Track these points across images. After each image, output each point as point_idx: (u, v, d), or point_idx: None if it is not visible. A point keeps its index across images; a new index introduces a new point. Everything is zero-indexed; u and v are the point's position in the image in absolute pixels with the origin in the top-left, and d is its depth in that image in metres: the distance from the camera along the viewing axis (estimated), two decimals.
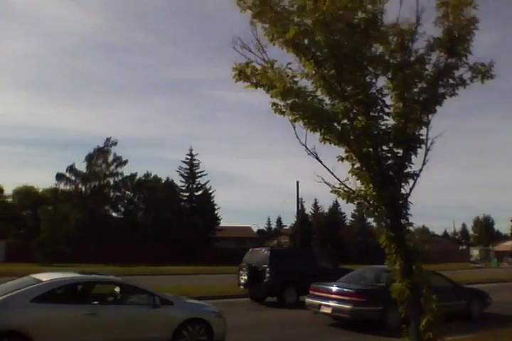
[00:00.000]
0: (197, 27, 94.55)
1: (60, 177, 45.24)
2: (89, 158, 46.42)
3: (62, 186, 45.60)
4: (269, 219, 79.28)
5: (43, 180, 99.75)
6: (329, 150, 5.52)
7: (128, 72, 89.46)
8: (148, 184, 48.70)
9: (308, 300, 11.44)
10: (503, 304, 13.38)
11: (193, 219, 45.93)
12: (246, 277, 14.63)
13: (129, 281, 8.19)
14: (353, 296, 10.23)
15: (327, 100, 5.40)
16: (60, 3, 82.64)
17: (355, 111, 5.35)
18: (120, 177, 47.81)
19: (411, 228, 5.75)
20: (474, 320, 11.51)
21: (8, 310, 6.48)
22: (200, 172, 48.74)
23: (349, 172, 5.49)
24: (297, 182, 35.93)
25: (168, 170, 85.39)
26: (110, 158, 47.21)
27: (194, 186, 48.74)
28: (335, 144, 5.38)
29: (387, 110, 5.57)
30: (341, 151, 5.51)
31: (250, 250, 16.80)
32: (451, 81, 5.63)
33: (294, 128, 5.37)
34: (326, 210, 56.99)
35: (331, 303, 10.51)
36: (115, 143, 47.15)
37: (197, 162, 48.50)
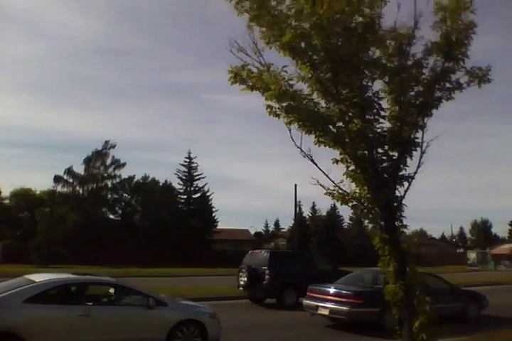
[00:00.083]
0: (197, 31, 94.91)
1: (57, 179, 45.12)
2: (88, 161, 46.36)
3: (59, 188, 45.51)
4: (266, 221, 79.46)
5: (42, 183, 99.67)
6: (324, 152, 5.54)
7: (128, 76, 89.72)
8: (146, 186, 48.67)
9: (306, 301, 11.47)
10: (500, 306, 13.42)
11: (190, 221, 45.92)
12: (245, 279, 14.70)
13: (123, 282, 8.19)
14: (350, 298, 10.28)
15: (323, 103, 5.44)
16: (62, 8, 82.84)
17: (350, 114, 5.37)
18: (118, 180, 47.79)
19: (406, 230, 5.76)
20: (471, 322, 11.58)
21: (1, 311, 6.46)
22: (198, 175, 48.88)
23: (344, 175, 5.50)
24: (295, 185, 36.05)
25: (167, 173, 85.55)
26: (108, 161, 47.20)
27: (192, 189, 48.81)
28: (330, 147, 5.39)
29: (382, 113, 5.58)
30: (336, 154, 5.54)
31: (250, 252, 16.85)
32: (447, 85, 5.64)
33: (290, 130, 5.40)
34: (324, 213, 57.12)
35: (328, 305, 10.55)
36: (114, 146, 47.15)
37: (195, 165, 48.70)
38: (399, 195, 5.57)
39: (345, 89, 5.33)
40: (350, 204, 5.54)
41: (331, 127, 5.37)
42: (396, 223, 5.54)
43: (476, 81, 5.59)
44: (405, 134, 5.51)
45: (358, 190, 5.48)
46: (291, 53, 5.11)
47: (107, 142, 47.13)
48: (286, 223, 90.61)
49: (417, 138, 5.62)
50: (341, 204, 5.54)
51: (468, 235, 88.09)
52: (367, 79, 5.47)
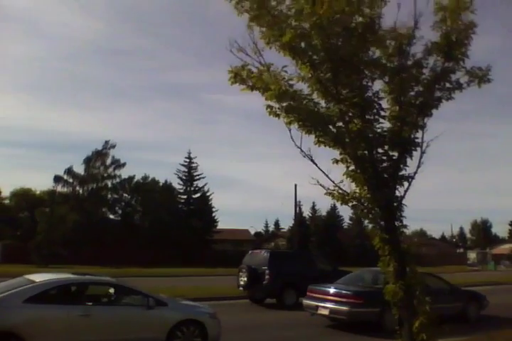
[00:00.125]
0: (197, 31, 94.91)
1: (57, 179, 45.13)
2: (88, 161, 46.36)
3: (59, 188, 45.52)
4: (266, 221, 79.46)
5: (42, 183, 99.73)
6: (324, 152, 5.54)
7: (128, 76, 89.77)
8: (146, 186, 48.67)
9: (306, 301, 11.48)
10: (500, 306, 13.43)
11: (190, 221, 45.92)
12: (245, 279, 14.71)
13: (123, 282, 8.18)
14: (350, 298, 10.29)
15: (323, 103, 5.43)
16: (62, 8, 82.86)
17: (350, 114, 5.36)
18: (118, 180, 47.79)
19: (406, 230, 5.76)
20: (471, 322, 11.59)
21: (1, 311, 6.46)
22: (198, 175, 48.90)
23: (344, 175, 5.50)
24: (295, 185, 36.05)
25: (167, 173, 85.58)
26: (108, 161, 47.20)
27: (192, 189, 48.82)
28: (330, 147, 5.39)
29: (382, 113, 5.58)
30: (336, 154, 5.53)
31: (250, 252, 16.86)
32: (447, 85, 5.64)
33: (290, 130, 5.40)
34: (324, 213, 57.13)
35: (328, 305, 10.56)
36: (114, 146, 47.16)
37: (195, 165, 48.68)
38: (399, 195, 5.57)
39: (345, 89, 5.32)
40: (350, 204, 5.54)
41: (331, 127, 5.36)
42: (396, 223, 5.53)
43: (476, 81, 5.59)
44: (405, 134, 5.51)
45: (358, 190, 5.48)
46: (291, 53, 5.11)
47: (107, 142, 47.20)
48: (286, 223, 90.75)
49: (417, 138, 5.62)
50: (341, 204, 5.54)
51: (468, 235, 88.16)
52: (367, 79, 5.46)
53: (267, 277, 14.38)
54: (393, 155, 5.57)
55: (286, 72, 5.25)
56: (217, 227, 49.51)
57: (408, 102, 5.55)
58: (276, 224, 77.91)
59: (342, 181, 5.48)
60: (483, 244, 71.30)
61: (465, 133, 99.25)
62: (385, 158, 5.57)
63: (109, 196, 47.83)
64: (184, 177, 48.71)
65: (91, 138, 77.52)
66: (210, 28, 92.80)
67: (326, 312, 10.62)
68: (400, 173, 5.56)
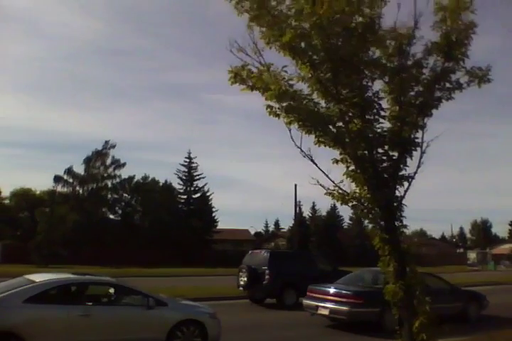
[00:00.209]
0: (197, 31, 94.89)
1: (57, 179, 45.16)
2: (88, 161, 46.38)
3: (59, 188, 45.58)
4: (266, 221, 79.47)
5: (42, 183, 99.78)
6: (324, 152, 5.54)
7: (128, 76, 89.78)
8: (146, 186, 48.69)
9: (306, 301, 11.49)
10: (500, 306, 13.44)
11: (190, 221, 45.93)
12: (246, 279, 14.72)
13: (123, 282, 8.18)
14: (350, 298, 10.30)
15: (323, 103, 5.43)
16: (62, 8, 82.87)
17: (350, 114, 5.36)
18: (118, 180, 47.82)
19: (406, 230, 5.75)
20: (471, 322, 11.60)
21: (1, 311, 6.46)
22: (198, 175, 48.92)
23: (344, 175, 5.50)
24: (295, 185, 36.06)
25: (167, 173, 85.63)
26: (108, 161, 47.23)
27: (192, 189, 48.84)
28: (330, 147, 5.39)
29: (382, 113, 5.58)
30: (336, 154, 5.53)
31: (250, 252, 16.87)
32: (447, 85, 5.63)
33: (290, 130, 5.39)
34: (324, 213, 57.14)
35: (328, 305, 10.57)
36: (114, 146, 47.20)
37: (195, 165, 48.71)
38: (399, 195, 5.57)
39: (345, 89, 5.32)
40: (350, 204, 5.53)
41: (331, 127, 5.36)
42: (396, 223, 5.53)
43: (476, 81, 5.58)
44: (405, 134, 5.51)
45: (358, 190, 5.47)
46: (291, 53, 5.11)
47: (106, 142, 47.25)
48: (286, 223, 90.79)
49: (417, 138, 5.62)
50: (341, 204, 5.54)
51: (468, 235, 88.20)
52: (367, 79, 5.46)
53: (267, 277, 14.39)
54: (393, 155, 5.57)
55: (286, 72, 5.26)
56: (217, 227, 49.54)
57: (408, 102, 5.54)
58: (277, 224, 78.03)
59: (342, 181, 5.49)
60: (483, 244, 71.30)
61: (465, 133, 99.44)
62: (385, 158, 5.56)
63: (109, 196, 47.87)
64: (184, 178, 48.73)
65: (91, 138, 77.63)
66: (210, 28, 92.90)
67: (326, 312, 10.63)
68: (400, 173, 5.56)
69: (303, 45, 5.14)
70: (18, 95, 79.65)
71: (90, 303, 7.18)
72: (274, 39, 5.06)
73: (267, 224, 78.90)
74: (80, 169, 46.25)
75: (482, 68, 5.54)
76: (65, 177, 45.64)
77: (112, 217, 48.28)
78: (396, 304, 5.51)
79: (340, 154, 5.47)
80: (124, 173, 48.20)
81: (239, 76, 5.22)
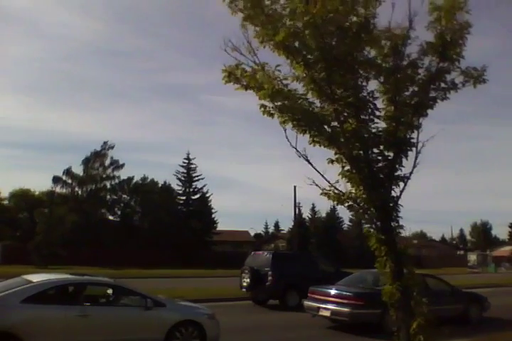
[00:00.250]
0: (196, 32, 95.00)
1: (56, 180, 45.17)
2: (86, 162, 46.38)
3: (58, 189, 45.58)
4: (266, 223, 79.38)
5: (40, 183, 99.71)
6: (320, 152, 5.54)
7: (127, 77, 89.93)
8: (145, 187, 48.68)
9: (307, 303, 11.50)
10: (501, 308, 13.44)
11: (190, 222, 45.92)
12: (248, 280, 14.72)
13: (121, 283, 8.18)
14: (351, 299, 10.31)
15: (317, 103, 5.42)
16: (61, 8, 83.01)
17: (345, 113, 5.34)
18: (117, 181, 47.82)
19: (403, 231, 5.74)
20: (472, 323, 11.59)
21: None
22: (197, 176, 48.87)
23: (339, 175, 5.49)
24: (294, 187, 36.15)
25: (166, 174, 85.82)
26: (107, 162, 47.25)
27: (191, 190, 48.81)
28: (324, 146, 5.38)
29: (377, 113, 5.57)
30: (331, 153, 5.52)
31: (252, 253, 16.89)
32: (442, 85, 5.62)
33: (285, 130, 5.39)
34: (324, 215, 57.09)
35: (329, 306, 10.59)
36: (112, 147, 47.24)
37: (194, 166, 48.67)
38: (395, 195, 5.56)
39: (340, 89, 5.31)
40: (346, 204, 5.52)
41: (325, 127, 5.35)
42: (392, 223, 5.51)
43: (472, 81, 5.57)
44: (400, 134, 5.50)
45: (353, 190, 5.45)
46: (285, 52, 5.10)
47: (105, 143, 47.29)
48: (286, 224, 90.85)
49: (413, 138, 5.61)
50: (337, 204, 5.54)
51: (468, 237, 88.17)
52: (361, 78, 5.45)
53: (269, 278, 14.41)
54: (388, 156, 5.55)
55: (279, 71, 5.25)
56: (217, 228, 49.50)
57: (403, 102, 5.54)
58: (276, 225, 77.96)
59: (337, 181, 5.48)
60: (483, 246, 71.25)
61: (463, 134, 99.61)
62: (380, 158, 5.55)
63: (108, 197, 47.88)
64: (183, 179, 48.70)
65: (90, 138, 77.86)
66: (209, 28, 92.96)
67: (327, 313, 10.65)
68: (396, 173, 5.54)
69: (297, 44, 5.15)
70: (17, 95, 79.86)
71: (88, 304, 7.17)
72: (268, 38, 5.06)
73: (266, 225, 78.93)
74: (78, 170, 46.37)
75: (477, 68, 5.54)
76: (64, 178, 45.71)
77: (111, 217, 48.30)
78: (393, 305, 5.49)
79: (336, 154, 5.45)
80: (123, 174, 48.32)
81: (233, 75, 5.22)
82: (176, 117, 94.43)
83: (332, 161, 5.49)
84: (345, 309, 10.19)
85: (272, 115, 5.30)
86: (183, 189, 48.83)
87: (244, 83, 5.26)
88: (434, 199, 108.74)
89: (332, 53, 5.06)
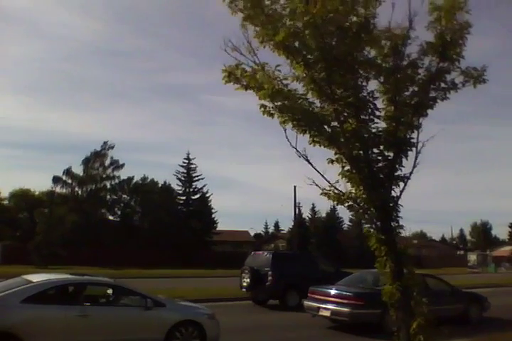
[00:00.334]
0: (197, 32, 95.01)
1: (56, 180, 45.16)
2: (86, 162, 46.38)
3: (58, 189, 45.58)
4: (266, 223, 79.36)
5: (41, 183, 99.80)
6: (320, 152, 5.54)
7: (127, 77, 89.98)
8: (145, 187, 48.68)
9: (307, 303, 11.50)
10: (501, 308, 13.46)
11: (190, 222, 45.92)
12: (248, 280, 14.73)
13: (121, 283, 8.18)
14: (351, 299, 10.32)
15: (317, 103, 5.42)
16: (61, 9, 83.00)
17: (345, 113, 5.34)
18: (117, 181, 47.81)
19: (403, 231, 5.73)
20: (473, 323, 11.60)
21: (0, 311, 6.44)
22: (197, 176, 48.88)
23: (339, 175, 5.49)
24: (294, 187, 36.17)
25: (166, 174, 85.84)
26: (107, 162, 47.24)
27: (191, 190, 48.82)
28: (324, 146, 5.37)
29: (377, 113, 5.57)
30: (331, 153, 5.52)
31: (252, 253, 16.90)
32: (442, 85, 5.62)
33: (285, 130, 5.39)
34: (324, 215, 57.08)
35: (329, 306, 10.60)
36: (112, 147, 47.23)
37: (194, 166, 48.68)
38: (395, 195, 5.55)
39: (340, 89, 5.30)
40: (345, 204, 5.52)
41: (325, 127, 5.34)
42: (392, 223, 5.51)
43: (472, 81, 5.57)
44: (400, 134, 5.49)
45: (353, 190, 5.44)
46: (285, 52, 5.10)
47: (105, 143, 47.28)
48: (286, 224, 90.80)
49: (413, 138, 5.60)
50: (337, 204, 5.54)
51: (469, 237, 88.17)
52: (361, 78, 5.44)
53: (269, 278, 14.42)
54: (388, 156, 5.55)
55: (279, 71, 5.25)
56: (217, 228, 49.50)
57: (403, 102, 5.53)
58: (276, 225, 77.95)
59: (337, 181, 5.48)
60: (483, 246, 71.25)
61: (464, 135, 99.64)
62: (380, 158, 5.54)
63: (108, 197, 47.87)
64: (183, 179, 48.71)
65: (90, 138, 77.90)
66: (209, 28, 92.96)
67: (327, 313, 10.66)
68: (396, 173, 5.53)
69: (297, 44, 5.14)
70: (17, 96, 79.89)
71: (88, 304, 7.17)
72: (268, 38, 5.05)
73: (266, 225, 78.92)
74: (78, 170, 46.36)
75: (477, 68, 5.53)
76: (64, 178, 45.71)
77: (111, 217, 48.29)
78: (393, 305, 5.49)
79: (335, 154, 5.45)
80: (123, 174, 48.30)
81: (233, 75, 5.21)
82: (176, 117, 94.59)
83: (332, 161, 5.48)
84: (345, 309, 10.20)
85: (271, 115, 5.30)
86: (183, 189, 48.85)
87: (244, 83, 5.25)
88: (434, 199, 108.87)
89: (332, 53, 5.05)
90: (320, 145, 5.37)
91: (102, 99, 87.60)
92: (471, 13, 5.24)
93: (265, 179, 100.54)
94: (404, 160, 5.58)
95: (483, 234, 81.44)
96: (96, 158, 46.63)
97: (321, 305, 10.77)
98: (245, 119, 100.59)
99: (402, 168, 5.58)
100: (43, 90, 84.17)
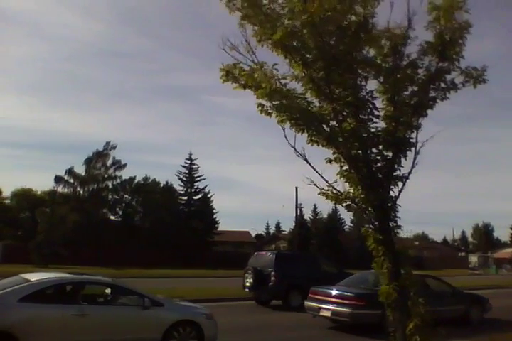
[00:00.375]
0: (199, 33, 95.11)
1: (58, 179, 45.24)
2: (88, 162, 46.42)
3: (60, 189, 45.67)
4: (267, 223, 79.34)
5: (42, 183, 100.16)
6: (319, 152, 5.52)
7: (129, 78, 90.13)
8: (147, 187, 48.70)
9: (308, 303, 11.49)
10: (502, 309, 13.45)
11: (191, 222, 45.93)
12: (251, 280, 14.74)
13: (119, 282, 8.16)
14: (352, 300, 10.30)
15: (316, 102, 5.39)
16: (64, 10, 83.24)
17: (344, 113, 5.32)
18: (119, 181, 47.81)
19: (400, 231, 5.70)
20: (473, 324, 11.60)
21: None
22: (199, 176, 48.93)
23: (337, 174, 5.47)
24: (296, 188, 36.15)
25: (168, 174, 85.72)
26: (109, 162, 47.26)
27: (193, 190, 48.87)
28: (323, 146, 5.35)
29: (376, 113, 5.55)
30: (330, 153, 5.49)
31: (255, 254, 16.93)
32: (442, 85, 5.60)
33: (284, 130, 5.37)
34: (325, 216, 57.03)
35: (330, 307, 10.59)
36: (114, 147, 47.24)
37: (196, 166, 48.74)
38: (393, 195, 5.53)
39: (339, 88, 5.29)
40: (344, 204, 5.51)
41: (324, 126, 5.32)
42: (390, 224, 5.49)
43: (472, 81, 5.55)
44: (400, 134, 5.48)
45: (351, 190, 5.44)
46: (284, 52, 5.08)
47: (107, 143, 47.29)
48: (288, 225, 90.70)
49: (412, 138, 5.58)
50: (335, 204, 5.53)
51: (470, 239, 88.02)
52: (360, 78, 5.43)
53: (272, 279, 14.44)
54: (387, 155, 5.53)
55: (277, 70, 5.22)
56: (218, 229, 49.49)
57: (403, 102, 5.52)
58: (278, 226, 77.93)
59: (336, 181, 5.46)
60: (484, 248, 71.08)
61: (468, 137, 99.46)
62: (379, 157, 5.52)
63: (110, 197, 47.86)
64: (185, 179, 48.76)
65: (92, 139, 78.01)
66: (211, 30, 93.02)
67: (328, 314, 10.66)
68: (394, 173, 5.52)
69: (295, 43, 5.12)
70: (20, 96, 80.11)
71: (86, 303, 7.14)
72: (266, 37, 5.04)
73: (268, 226, 78.88)
74: (80, 170, 46.38)
75: (477, 68, 5.50)
76: (66, 177, 45.74)
77: (112, 217, 48.29)
78: (390, 305, 5.47)
79: (334, 153, 5.43)
80: (125, 174, 48.29)
81: (231, 74, 5.20)
82: (178, 118, 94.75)
83: (330, 161, 5.47)
84: (346, 309, 10.19)
85: (269, 114, 5.28)
86: (185, 189, 48.90)
87: (242, 82, 5.23)
88: (436, 201, 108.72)
89: (331, 52, 5.04)
90: (318, 145, 5.35)
91: (104, 100, 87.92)
92: (471, 13, 5.23)
93: (266, 180, 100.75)
94: (403, 160, 5.56)
95: (484, 235, 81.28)
96: (98, 158, 46.67)
97: (322, 306, 10.77)
98: (246, 120, 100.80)
99: (401, 168, 5.57)
100: (46, 90, 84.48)
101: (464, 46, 5.41)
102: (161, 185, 49.69)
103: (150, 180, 50.12)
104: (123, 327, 7.23)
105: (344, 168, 5.43)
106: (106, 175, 46.96)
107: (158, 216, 45.31)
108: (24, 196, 49.21)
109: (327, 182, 5.41)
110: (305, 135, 5.28)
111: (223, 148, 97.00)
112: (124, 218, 47.60)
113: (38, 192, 50.01)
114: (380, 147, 5.53)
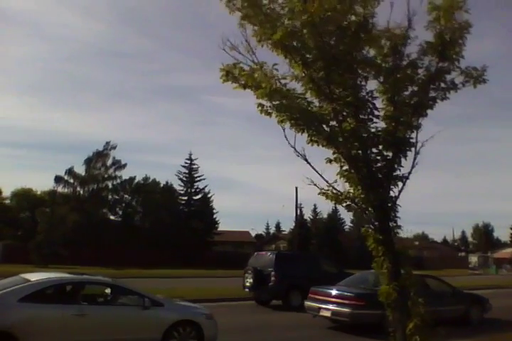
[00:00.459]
0: (199, 33, 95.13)
1: (58, 179, 45.26)
2: (88, 162, 46.44)
3: (60, 189, 45.70)
4: (267, 223, 79.33)
5: (42, 183, 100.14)
6: (319, 152, 5.52)
7: (130, 78, 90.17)
8: (147, 187, 48.71)
9: (308, 303, 11.49)
10: (502, 309, 13.46)
11: (191, 222, 45.93)
12: (251, 280, 14.75)
13: (119, 282, 8.16)
14: (352, 300, 10.30)
15: (316, 102, 5.39)
16: (64, 10, 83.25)
17: (344, 113, 5.32)
18: (119, 181, 47.84)
19: (400, 231, 5.70)
20: (474, 324, 11.61)
21: None
22: (199, 176, 48.93)
23: (337, 174, 5.47)
24: (296, 188, 36.15)
25: (168, 174, 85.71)
26: (109, 162, 47.29)
27: (193, 190, 48.87)
28: (323, 146, 5.35)
29: (376, 113, 5.55)
30: (330, 153, 5.49)
31: (255, 253, 16.93)
32: (442, 85, 5.60)
33: (284, 130, 5.37)
34: (325, 216, 57.04)
35: (330, 307, 10.59)
36: (114, 147, 47.28)
37: (196, 166, 48.76)
38: (393, 195, 5.53)
39: (339, 88, 5.29)
40: (343, 204, 5.51)
41: (324, 126, 5.32)
42: (390, 224, 5.49)
43: (472, 81, 5.55)
44: (400, 134, 5.48)
45: (351, 190, 5.44)
46: (284, 51, 5.08)
47: (107, 143, 47.34)
48: (288, 225, 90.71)
49: (412, 138, 5.58)
50: (335, 204, 5.53)
51: (470, 239, 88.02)
52: (360, 78, 5.43)
53: (272, 279, 14.44)
54: (387, 155, 5.53)
55: (277, 70, 5.22)
56: (218, 229, 49.49)
57: (403, 102, 5.51)
58: (278, 226, 77.93)
59: (336, 181, 5.46)
60: (484, 248, 71.08)
61: (468, 137, 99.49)
62: (379, 157, 5.52)
63: (110, 197, 47.89)
64: (185, 179, 48.77)
65: (92, 139, 78.06)
66: (212, 30, 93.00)
67: (328, 314, 10.66)
68: (394, 173, 5.51)
69: (295, 43, 5.12)
70: (20, 96, 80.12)
71: (86, 303, 7.14)
72: (266, 37, 5.04)
73: (268, 226, 78.88)
74: (80, 170, 46.41)
75: (477, 68, 5.50)
76: (66, 177, 45.78)
77: (112, 217, 48.31)
78: (390, 305, 5.47)
79: (334, 153, 5.43)
80: (125, 174, 48.33)
81: (231, 74, 5.20)
82: (178, 118, 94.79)
83: (330, 161, 5.47)
84: (346, 309, 10.19)
85: (269, 114, 5.27)
86: (185, 189, 48.91)
87: (242, 82, 5.23)
88: (436, 201, 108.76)
89: (331, 52, 5.03)
90: (318, 145, 5.35)
91: (104, 100, 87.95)
92: (471, 14, 5.23)
93: (266, 180, 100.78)
94: (403, 160, 5.55)
95: (484, 236, 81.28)
96: (98, 158, 46.69)
97: (322, 306, 10.77)
98: (246, 120, 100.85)
99: (401, 168, 5.57)
100: (46, 90, 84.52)
101: (464, 46, 5.41)
102: (161, 185, 49.72)
103: (150, 180, 50.16)
104: (123, 327, 7.24)
105: (344, 168, 5.43)
106: (106, 175, 46.99)
107: (158, 216, 45.33)
108: (24, 196, 49.20)
109: (327, 182, 5.41)
110: (305, 135, 5.28)
111: (223, 148, 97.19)
112: (124, 218, 47.61)
113: (38, 192, 50.04)
114: (380, 147, 5.53)
